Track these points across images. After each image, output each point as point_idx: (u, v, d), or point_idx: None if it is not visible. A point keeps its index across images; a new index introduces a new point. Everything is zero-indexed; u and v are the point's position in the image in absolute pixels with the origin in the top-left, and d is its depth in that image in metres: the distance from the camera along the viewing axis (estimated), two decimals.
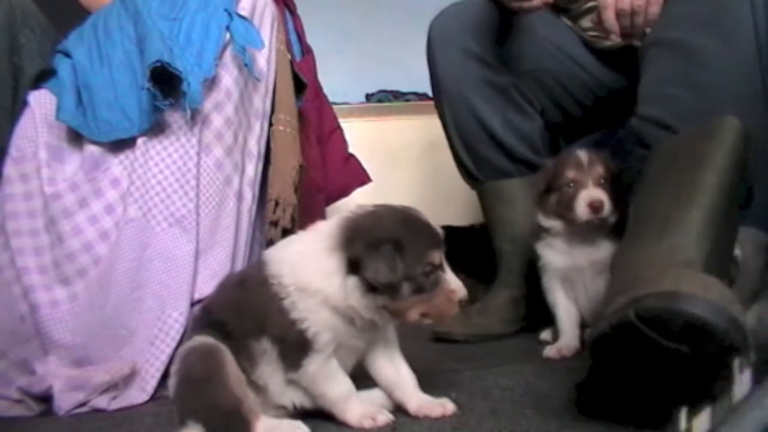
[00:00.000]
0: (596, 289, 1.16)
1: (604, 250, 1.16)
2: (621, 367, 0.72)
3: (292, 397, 0.80)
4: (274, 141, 1.26)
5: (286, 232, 1.22)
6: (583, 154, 1.17)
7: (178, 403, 0.77)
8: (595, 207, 1.13)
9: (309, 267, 0.75)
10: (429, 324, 0.78)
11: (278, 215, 1.21)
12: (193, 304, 1.08)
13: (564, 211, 1.17)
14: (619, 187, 1.16)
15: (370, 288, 0.73)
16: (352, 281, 0.74)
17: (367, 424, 0.76)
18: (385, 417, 0.77)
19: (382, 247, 0.72)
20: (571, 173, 1.17)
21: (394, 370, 0.82)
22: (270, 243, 1.26)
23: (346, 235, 0.75)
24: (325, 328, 0.75)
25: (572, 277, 1.20)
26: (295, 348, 0.75)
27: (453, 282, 0.77)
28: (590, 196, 1.13)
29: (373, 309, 0.76)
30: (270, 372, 0.78)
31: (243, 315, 0.77)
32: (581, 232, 1.17)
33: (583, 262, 1.18)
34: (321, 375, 0.77)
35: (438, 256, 0.75)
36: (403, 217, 0.77)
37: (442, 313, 0.77)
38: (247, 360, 0.78)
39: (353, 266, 0.73)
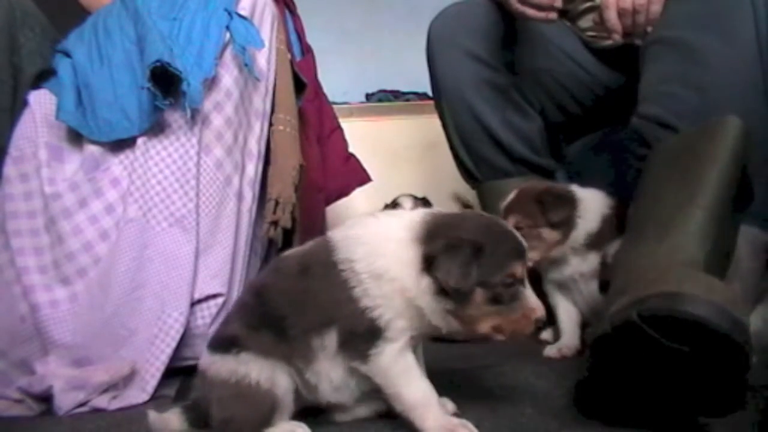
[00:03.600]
0: (591, 291, 1.16)
1: (590, 262, 1.14)
2: (622, 367, 0.72)
3: (344, 396, 0.76)
4: (274, 141, 1.26)
5: (286, 232, 1.22)
6: (507, 199, 1.15)
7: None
8: None
9: (388, 253, 0.70)
10: (500, 340, 0.73)
11: (278, 215, 1.20)
12: (193, 304, 1.08)
13: None
14: (569, 226, 1.12)
15: (441, 290, 0.69)
16: (426, 281, 0.70)
17: None
18: (466, 430, 0.71)
19: (461, 248, 0.68)
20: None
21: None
22: (270, 243, 1.26)
23: (428, 229, 0.71)
24: (399, 315, 0.70)
25: (567, 284, 1.19)
26: (364, 338, 0.70)
27: (532, 300, 0.72)
28: None
29: (441, 314, 0.71)
30: (326, 369, 0.74)
31: (306, 307, 0.72)
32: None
33: (573, 275, 1.17)
34: (396, 369, 0.71)
35: (520, 270, 0.71)
36: (490, 223, 0.74)
37: (516, 330, 0.72)
38: (302, 359, 0.73)
39: (428, 264, 0.69)
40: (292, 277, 0.75)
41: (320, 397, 0.76)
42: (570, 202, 1.13)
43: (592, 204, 1.15)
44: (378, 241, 0.72)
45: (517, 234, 0.74)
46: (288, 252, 0.82)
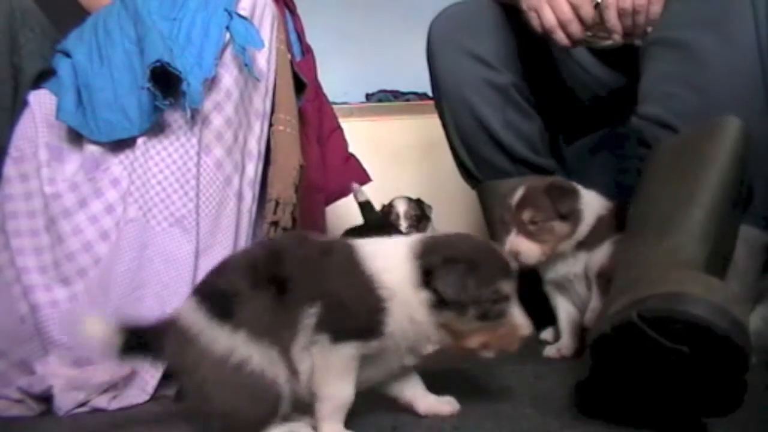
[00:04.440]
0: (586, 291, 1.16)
1: (582, 262, 1.15)
2: (622, 368, 0.72)
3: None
4: (274, 141, 1.26)
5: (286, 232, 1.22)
6: (517, 195, 1.14)
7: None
8: (513, 256, 1.10)
9: (395, 270, 0.74)
10: (488, 357, 0.76)
11: (279, 215, 1.20)
12: None
13: None
14: (576, 218, 1.13)
15: (438, 303, 0.72)
16: (423, 294, 0.73)
17: None
18: None
19: (457, 263, 0.72)
20: (505, 214, 1.16)
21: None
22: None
23: (425, 247, 0.75)
24: (396, 329, 0.73)
25: (564, 284, 1.20)
26: (354, 326, 0.71)
27: (519, 317, 0.75)
28: (509, 244, 1.12)
29: (435, 327, 0.74)
30: (302, 349, 0.72)
31: (316, 275, 0.72)
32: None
33: (568, 275, 1.18)
34: (342, 366, 0.72)
35: (508, 287, 0.74)
36: (480, 244, 0.78)
37: (502, 347, 0.75)
38: (288, 331, 0.71)
39: (426, 278, 0.72)
40: (314, 250, 0.75)
41: (300, 387, 0.74)
42: (575, 194, 1.14)
43: (589, 203, 1.15)
44: (385, 257, 0.75)
45: (505, 254, 0.78)
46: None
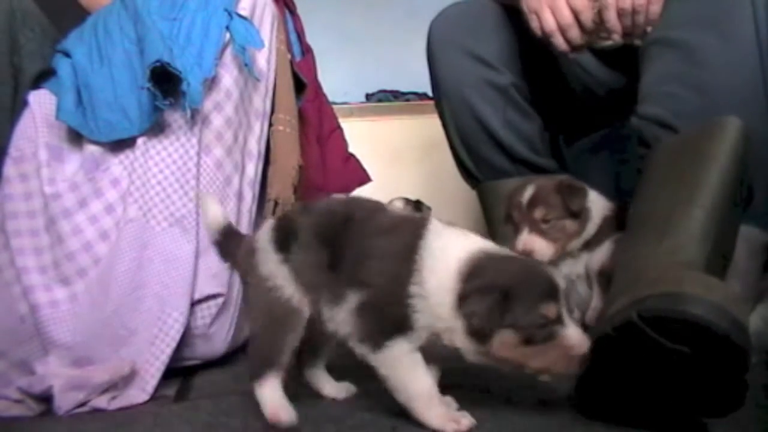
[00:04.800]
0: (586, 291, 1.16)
1: (584, 262, 1.15)
2: (622, 368, 0.72)
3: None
4: (274, 141, 1.26)
5: None
6: (527, 193, 1.14)
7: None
8: (525, 255, 1.10)
9: (441, 278, 0.73)
10: (546, 380, 0.75)
11: (278, 215, 1.20)
12: (193, 304, 1.08)
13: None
14: (585, 217, 1.13)
15: (470, 331, 0.72)
16: (459, 319, 0.72)
17: (450, 428, 0.73)
18: (468, 421, 0.74)
19: (490, 293, 0.71)
20: (514, 213, 1.15)
21: None
22: None
23: (472, 267, 0.73)
24: (430, 327, 0.73)
25: (566, 284, 1.19)
26: (385, 328, 0.73)
27: (572, 337, 0.72)
28: (522, 243, 1.12)
29: (475, 354, 0.74)
30: (339, 318, 0.77)
31: (366, 257, 0.75)
32: None
33: (571, 275, 1.17)
34: (404, 362, 0.74)
35: (554, 310, 0.72)
36: (527, 267, 0.76)
37: (559, 369, 0.73)
38: (327, 293, 0.77)
39: (461, 302, 0.72)
40: (382, 228, 0.78)
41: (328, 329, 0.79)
42: (585, 193, 1.14)
43: (596, 202, 1.15)
44: (441, 264, 0.74)
45: (553, 276, 0.75)
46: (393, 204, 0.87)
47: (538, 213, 1.12)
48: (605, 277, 1.07)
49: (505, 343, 0.71)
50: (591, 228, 1.13)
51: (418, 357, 0.75)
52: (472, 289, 0.71)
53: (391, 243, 0.76)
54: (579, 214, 1.12)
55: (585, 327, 1.15)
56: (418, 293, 0.73)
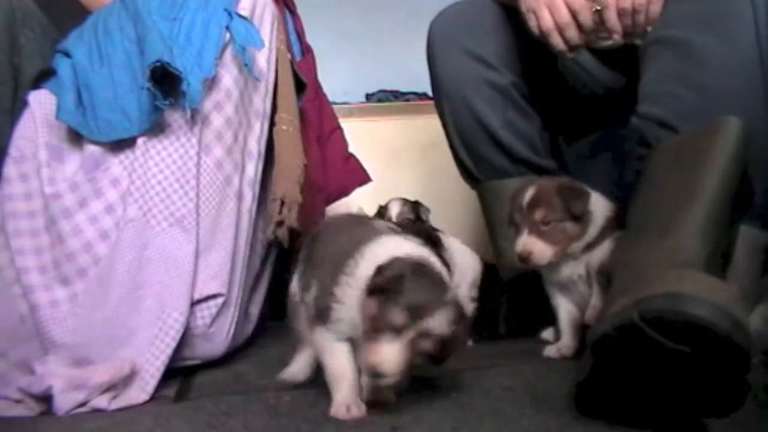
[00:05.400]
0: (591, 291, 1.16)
1: (584, 263, 1.14)
2: (622, 368, 0.72)
3: None
4: (277, 140, 1.26)
5: (292, 232, 1.22)
6: (528, 194, 1.13)
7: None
8: (523, 257, 1.10)
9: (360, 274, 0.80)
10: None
11: (284, 214, 1.20)
12: (192, 304, 1.08)
13: None
14: (587, 220, 1.12)
15: None
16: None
17: (340, 412, 0.79)
18: (358, 411, 0.80)
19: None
20: (515, 214, 1.14)
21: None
22: (276, 243, 1.26)
23: (374, 273, 0.80)
24: (346, 321, 0.81)
25: (566, 285, 1.19)
26: (319, 313, 0.83)
27: (378, 353, 0.76)
28: (521, 245, 1.11)
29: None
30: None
31: (324, 257, 0.87)
32: None
33: (572, 276, 1.17)
34: (324, 345, 0.84)
35: (399, 318, 0.76)
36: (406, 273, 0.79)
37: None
38: (305, 283, 0.90)
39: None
40: (336, 227, 0.94)
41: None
42: (586, 195, 1.13)
43: (597, 204, 1.14)
44: (363, 268, 0.80)
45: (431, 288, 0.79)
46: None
47: (538, 214, 1.11)
48: (605, 276, 1.07)
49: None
50: (593, 231, 1.12)
51: (341, 345, 0.83)
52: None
53: (339, 249, 0.85)
54: (580, 217, 1.11)
55: (585, 326, 1.16)
56: (341, 287, 0.81)
